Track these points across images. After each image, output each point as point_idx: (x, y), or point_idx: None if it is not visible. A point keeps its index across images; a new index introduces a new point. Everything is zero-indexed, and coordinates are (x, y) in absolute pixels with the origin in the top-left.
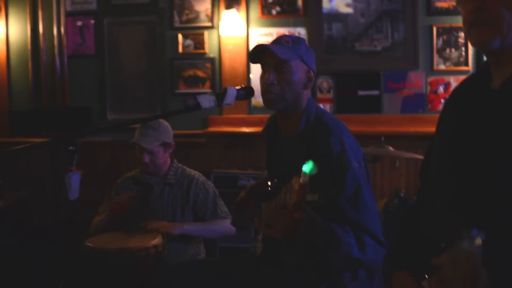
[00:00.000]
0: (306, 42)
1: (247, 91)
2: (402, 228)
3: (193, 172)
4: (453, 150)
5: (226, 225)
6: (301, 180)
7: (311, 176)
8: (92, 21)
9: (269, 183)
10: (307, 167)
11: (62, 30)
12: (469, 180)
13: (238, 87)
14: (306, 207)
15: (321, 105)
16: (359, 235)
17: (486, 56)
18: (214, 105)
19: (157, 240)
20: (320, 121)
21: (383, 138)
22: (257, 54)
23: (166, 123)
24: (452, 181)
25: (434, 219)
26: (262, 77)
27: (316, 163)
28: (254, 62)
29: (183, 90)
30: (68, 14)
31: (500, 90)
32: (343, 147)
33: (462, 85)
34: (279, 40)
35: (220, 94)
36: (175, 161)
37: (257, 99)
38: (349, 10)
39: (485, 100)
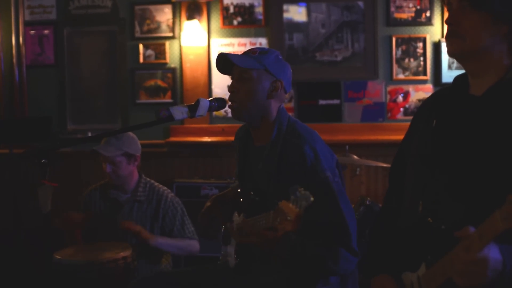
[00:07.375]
0: (278, 54)
1: (220, 102)
2: (374, 235)
3: (162, 188)
4: (437, 150)
5: (193, 245)
6: (296, 209)
7: (308, 206)
8: (52, 31)
9: (239, 191)
10: (305, 196)
11: (21, 39)
12: (460, 177)
13: (210, 99)
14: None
15: None
16: (332, 247)
17: (464, 66)
18: (187, 117)
19: (126, 252)
20: (293, 130)
21: (347, 147)
22: (227, 64)
23: (132, 134)
24: (441, 180)
25: (428, 209)
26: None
27: (303, 186)
28: (223, 73)
29: (144, 100)
30: (26, 24)
31: (483, 96)
32: (317, 156)
33: (440, 92)
34: (247, 51)
35: (192, 106)
36: (143, 176)
37: None
38: (310, 20)
39: (467, 105)
